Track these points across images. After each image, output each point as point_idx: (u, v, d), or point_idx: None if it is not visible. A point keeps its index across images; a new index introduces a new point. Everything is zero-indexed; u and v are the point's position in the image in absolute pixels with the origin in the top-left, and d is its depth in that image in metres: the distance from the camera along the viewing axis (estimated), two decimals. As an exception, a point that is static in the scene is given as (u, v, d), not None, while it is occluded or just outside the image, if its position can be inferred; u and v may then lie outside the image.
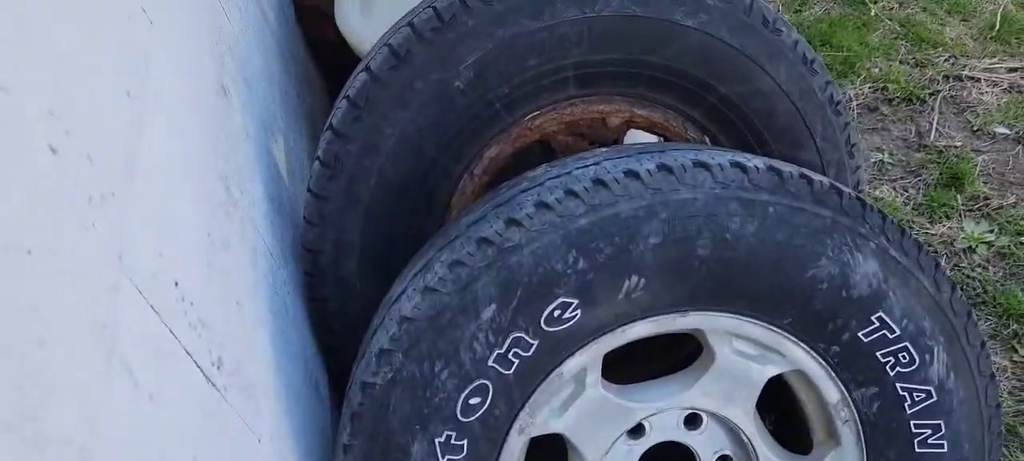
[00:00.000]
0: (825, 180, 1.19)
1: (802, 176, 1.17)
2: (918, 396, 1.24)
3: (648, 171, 1.15)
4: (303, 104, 2.07)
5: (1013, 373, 1.90)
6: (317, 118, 2.16)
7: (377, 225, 1.43)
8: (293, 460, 1.19)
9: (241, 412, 1.00)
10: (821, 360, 1.24)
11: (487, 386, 1.16)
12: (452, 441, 1.17)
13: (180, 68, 1.13)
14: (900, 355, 1.22)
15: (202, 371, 0.90)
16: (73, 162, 0.71)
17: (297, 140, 1.88)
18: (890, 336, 1.20)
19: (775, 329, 1.22)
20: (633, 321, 1.18)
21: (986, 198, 2.30)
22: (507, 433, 1.20)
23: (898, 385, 1.23)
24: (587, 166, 1.20)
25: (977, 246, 2.19)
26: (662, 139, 1.53)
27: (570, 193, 1.14)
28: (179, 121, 1.06)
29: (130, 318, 0.76)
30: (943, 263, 2.10)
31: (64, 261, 0.67)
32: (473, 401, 1.16)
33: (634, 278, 1.14)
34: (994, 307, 2.03)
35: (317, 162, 1.42)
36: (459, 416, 1.16)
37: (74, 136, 0.72)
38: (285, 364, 1.26)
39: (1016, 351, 1.94)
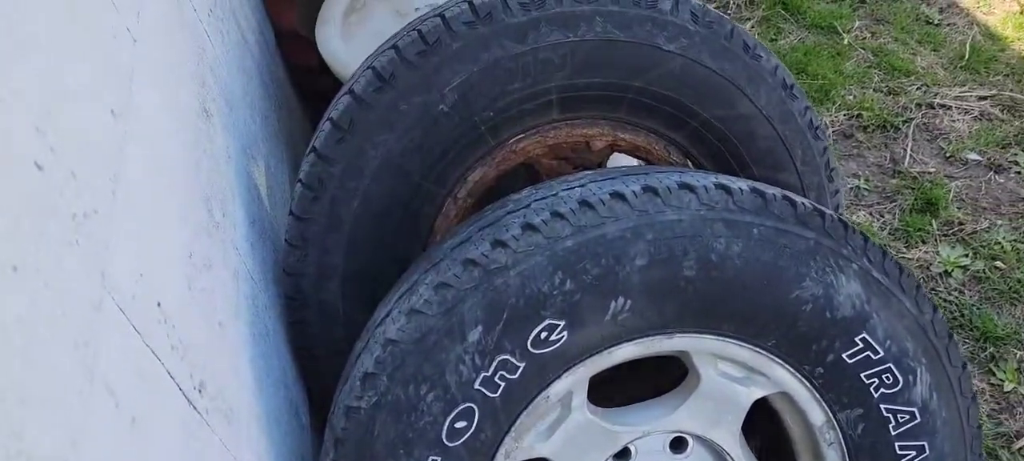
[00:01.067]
0: (808, 202, 1.20)
1: (785, 198, 1.18)
2: (902, 417, 1.24)
3: (634, 193, 1.15)
4: (283, 129, 2.06)
5: (991, 396, 1.92)
6: (297, 143, 2.15)
7: (360, 248, 1.41)
8: (275, 487, 1.16)
9: (222, 437, 0.97)
10: (806, 382, 1.24)
11: (473, 410, 1.14)
12: (438, 466, 1.15)
13: (163, 89, 1.12)
14: (884, 376, 1.22)
15: (184, 394, 0.88)
16: (58, 179, 0.70)
17: (277, 165, 1.87)
18: (874, 357, 1.21)
19: (760, 351, 1.22)
20: (620, 343, 1.18)
21: (960, 223, 2.34)
22: (493, 458, 1.19)
23: (882, 406, 1.24)
24: (573, 188, 1.20)
25: (953, 270, 2.22)
26: (645, 163, 1.54)
27: (556, 214, 1.14)
28: (162, 141, 1.05)
29: (112, 337, 0.74)
30: (920, 287, 2.12)
31: (48, 278, 0.65)
32: (459, 425, 1.14)
33: (620, 299, 1.14)
34: (971, 330, 2.06)
35: (300, 184, 1.40)
36: (445, 440, 1.14)
37: (59, 153, 0.71)
38: (266, 389, 1.24)
39: (994, 374, 1.96)
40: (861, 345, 1.20)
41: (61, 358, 0.65)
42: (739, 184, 1.19)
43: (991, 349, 2.00)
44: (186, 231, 1.04)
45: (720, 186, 1.17)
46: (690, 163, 1.52)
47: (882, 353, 1.21)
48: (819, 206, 1.20)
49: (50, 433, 0.61)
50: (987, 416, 1.88)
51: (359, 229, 1.40)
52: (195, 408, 0.90)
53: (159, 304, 0.87)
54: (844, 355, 1.21)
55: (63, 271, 0.68)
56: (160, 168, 1.01)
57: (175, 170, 1.08)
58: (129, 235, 0.84)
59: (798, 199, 1.19)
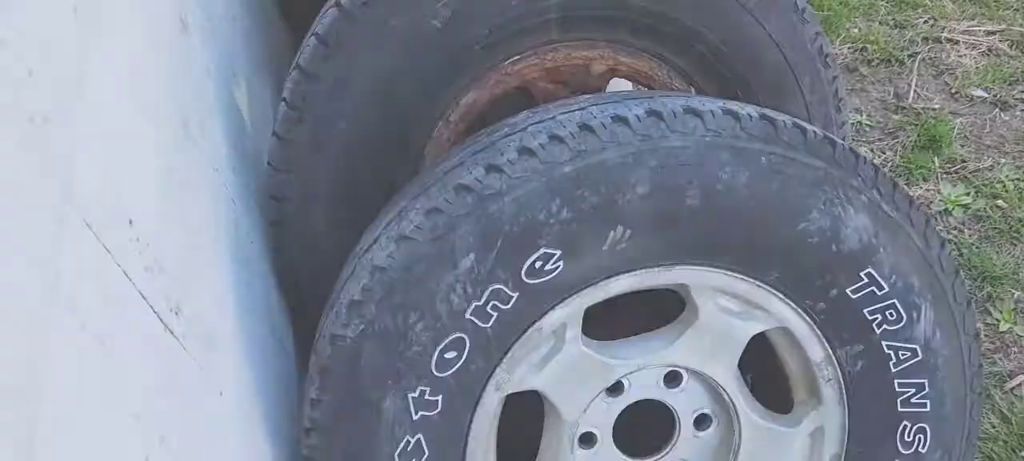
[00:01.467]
0: (818, 130, 1.15)
1: (796, 125, 1.13)
2: (904, 354, 1.21)
3: (637, 117, 1.10)
4: (267, 47, 1.97)
5: (986, 335, 1.91)
6: (281, 64, 2.06)
7: (347, 172, 1.36)
8: (256, 415, 1.13)
9: (201, 363, 0.93)
10: (806, 317, 1.20)
11: (464, 340, 1.10)
12: (426, 397, 1.12)
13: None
14: (887, 312, 1.19)
15: (158, 316, 0.83)
16: (10, 76, 0.63)
17: (261, 84, 1.79)
18: (878, 293, 1.17)
19: (761, 285, 1.18)
20: (617, 274, 1.13)
21: (963, 161, 2.30)
22: (483, 389, 1.16)
23: (884, 343, 1.21)
24: (572, 111, 1.14)
25: (953, 209, 2.18)
26: (646, 89, 1.48)
27: (555, 138, 1.08)
28: (134, 51, 0.98)
29: (78, 254, 0.68)
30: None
31: (1, 183, 0.59)
32: (449, 355, 1.11)
33: (620, 229, 1.09)
34: (970, 270, 2.03)
35: (283, 104, 1.34)
36: (434, 371, 1.11)
37: (10, 47, 0.64)
38: (248, 315, 1.19)
39: (990, 314, 1.95)
40: (866, 280, 1.16)
41: (19, 275, 0.60)
42: (747, 110, 1.13)
43: (988, 288, 1.98)
44: (161, 147, 0.98)
45: (728, 112, 1.12)
46: (693, 90, 1.46)
47: (887, 288, 1.17)
48: (830, 135, 1.15)
49: (7, 355, 0.56)
50: (981, 355, 1.87)
51: (346, 152, 1.34)
52: (171, 331, 0.86)
53: (131, 222, 0.82)
54: (848, 290, 1.17)
55: (18, 179, 0.62)
56: (132, 79, 0.94)
57: (149, 83, 1.01)
58: (97, 146, 0.78)
59: (808, 127, 1.14)
